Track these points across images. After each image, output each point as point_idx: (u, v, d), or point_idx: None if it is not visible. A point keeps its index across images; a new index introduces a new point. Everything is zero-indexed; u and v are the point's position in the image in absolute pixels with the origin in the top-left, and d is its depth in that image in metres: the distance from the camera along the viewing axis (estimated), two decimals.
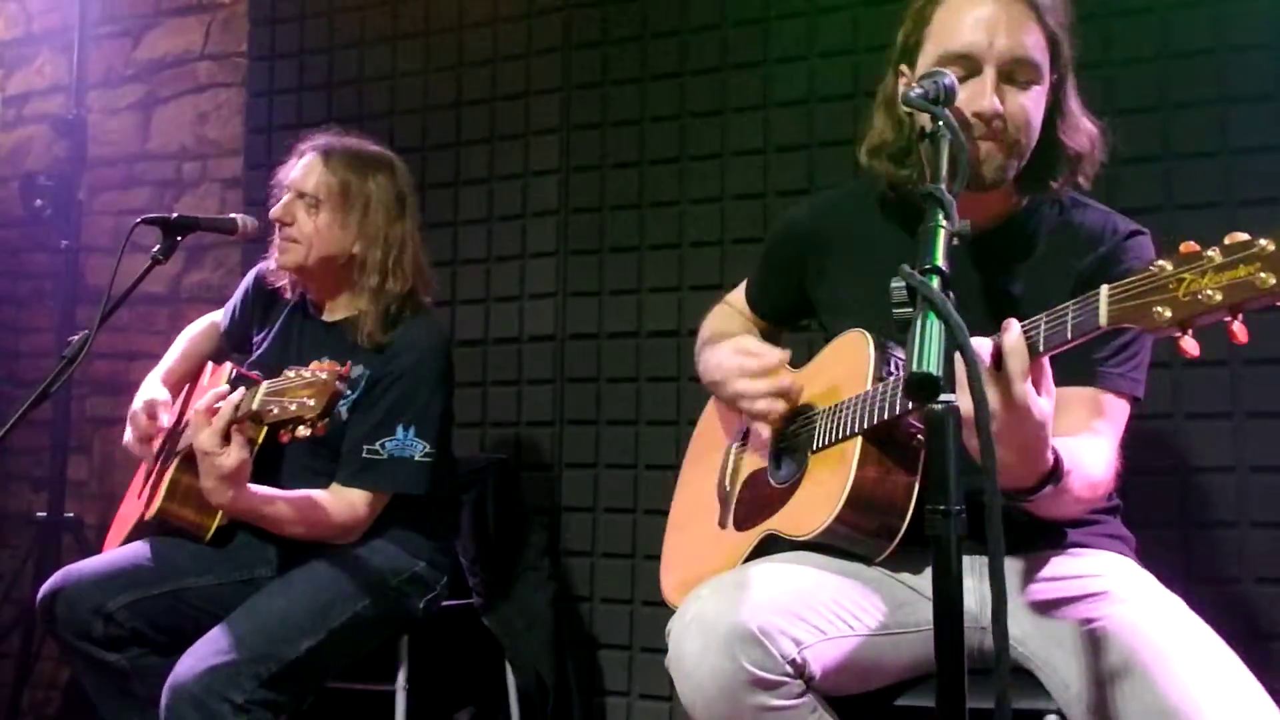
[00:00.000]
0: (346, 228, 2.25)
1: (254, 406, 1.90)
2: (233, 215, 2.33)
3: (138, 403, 2.37)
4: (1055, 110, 1.61)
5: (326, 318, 2.34)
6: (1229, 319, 1.11)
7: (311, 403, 1.79)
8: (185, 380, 2.51)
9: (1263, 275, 1.08)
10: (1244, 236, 1.11)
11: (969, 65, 1.54)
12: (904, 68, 1.65)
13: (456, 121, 3.16)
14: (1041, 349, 1.29)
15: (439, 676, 2.62)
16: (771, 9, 2.78)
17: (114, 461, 3.64)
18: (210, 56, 3.63)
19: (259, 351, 2.40)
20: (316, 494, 2.13)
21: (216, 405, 1.94)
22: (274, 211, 2.28)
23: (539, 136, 3.04)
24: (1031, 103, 1.56)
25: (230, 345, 2.55)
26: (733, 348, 1.78)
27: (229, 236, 2.37)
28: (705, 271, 2.76)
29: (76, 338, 2.09)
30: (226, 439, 1.92)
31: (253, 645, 1.98)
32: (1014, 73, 1.54)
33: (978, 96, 1.52)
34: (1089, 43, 2.38)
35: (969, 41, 1.54)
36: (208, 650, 1.98)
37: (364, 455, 2.15)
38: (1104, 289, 1.22)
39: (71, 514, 3.30)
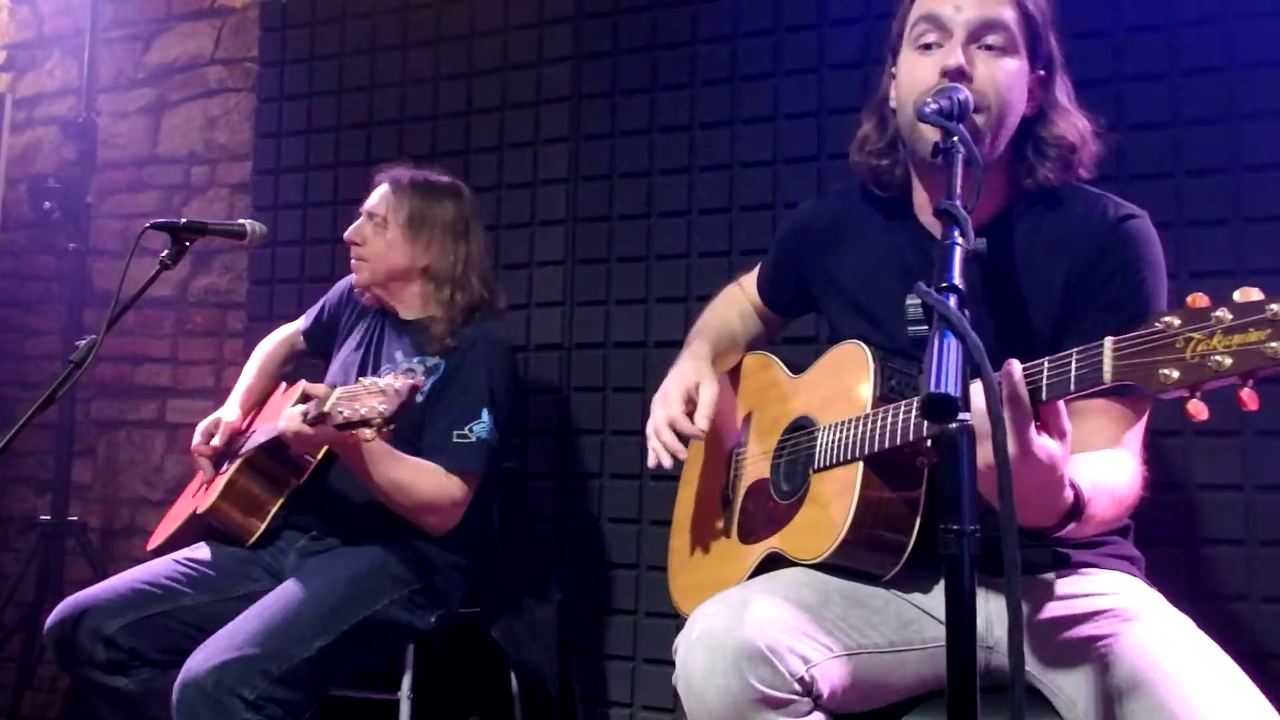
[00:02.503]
0: (411, 244, 2.41)
1: (325, 409, 1.97)
2: (241, 221, 2.33)
3: (212, 417, 2.50)
4: (1044, 101, 1.62)
5: (404, 316, 2.46)
6: (1239, 384, 1.05)
7: (382, 407, 1.88)
8: (263, 397, 2.65)
9: (1273, 345, 1.02)
10: (1256, 295, 1.05)
11: (939, 32, 1.57)
12: (892, 65, 1.68)
13: (466, 129, 3.16)
14: (1044, 397, 1.25)
15: (443, 685, 2.61)
16: (782, 21, 2.78)
17: (118, 465, 3.64)
18: (220, 61, 3.63)
19: (340, 357, 2.50)
20: (438, 466, 2.22)
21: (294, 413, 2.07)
22: (347, 233, 2.46)
23: (548, 145, 3.04)
24: (1003, 71, 1.56)
25: (311, 347, 2.67)
26: (678, 379, 1.82)
27: (237, 242, 2.37)
28: (713, 282, 2.71)
29: (83, 342, 2.09)
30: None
31: (265, 642, 1.99)
32: (983, 36, 1.55)
33: (944, 57, 1.54)
34: (1099, 58, 2.40)
35: (938, 8, 1.57)
36: (220, 645, 1.98)
37: (455, 440, 2.24)
38: (1108, 342, 1.18)
39: (75, 517, 3.30)
